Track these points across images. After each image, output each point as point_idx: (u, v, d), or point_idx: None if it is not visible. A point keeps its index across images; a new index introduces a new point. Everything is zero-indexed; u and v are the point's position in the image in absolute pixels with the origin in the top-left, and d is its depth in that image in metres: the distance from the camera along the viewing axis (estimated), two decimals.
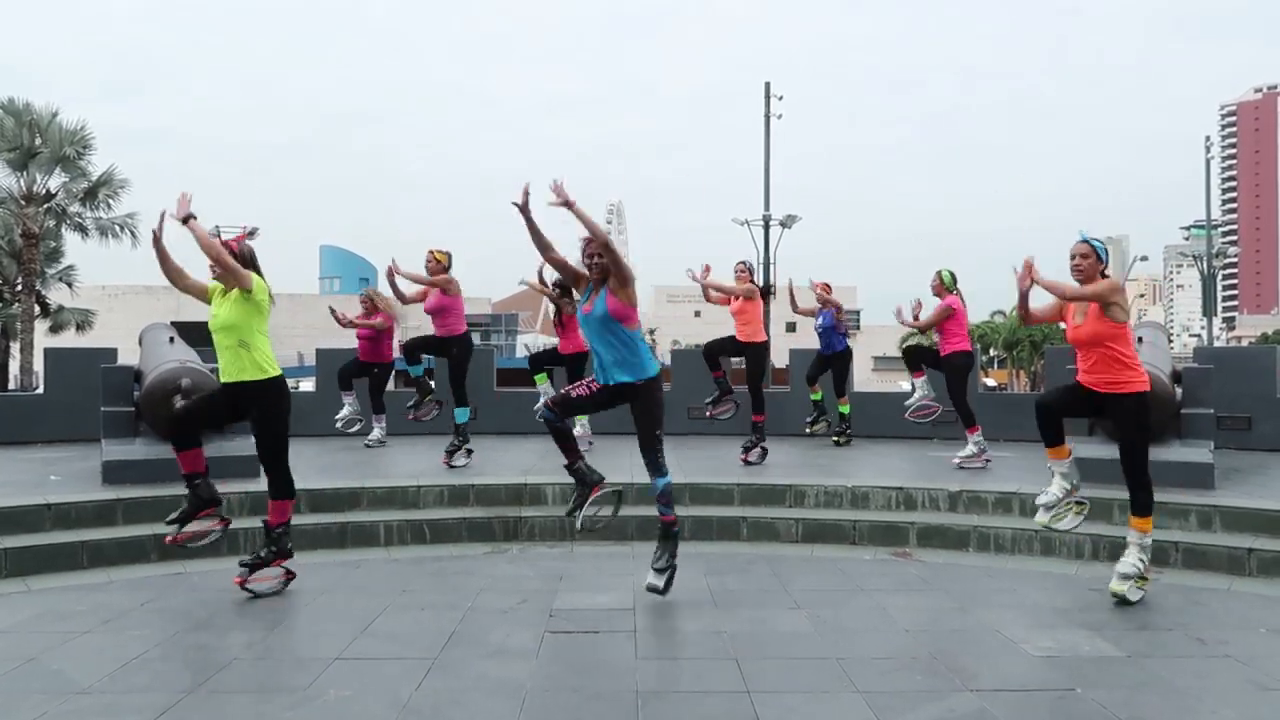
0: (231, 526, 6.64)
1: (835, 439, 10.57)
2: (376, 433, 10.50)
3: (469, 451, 8.77)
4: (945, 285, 9.04)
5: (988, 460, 8.77)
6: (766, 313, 29.57)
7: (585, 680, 4.33)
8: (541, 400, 9.70)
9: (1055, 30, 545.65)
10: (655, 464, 5.54)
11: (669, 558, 5.66)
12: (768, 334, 9.74)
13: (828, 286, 10.45)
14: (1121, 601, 5.48)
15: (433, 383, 9.59)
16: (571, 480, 5.65)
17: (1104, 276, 5.48)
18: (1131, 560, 5.57)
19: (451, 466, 8.51)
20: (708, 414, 9.63)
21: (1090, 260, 5.44)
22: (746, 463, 8.90)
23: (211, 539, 6.02)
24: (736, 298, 9.25)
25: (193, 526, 5.88)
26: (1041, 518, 5.86)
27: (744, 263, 9.44)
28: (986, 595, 5.85)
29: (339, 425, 10.59)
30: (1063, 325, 5.69)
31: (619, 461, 8.57)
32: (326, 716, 3.86)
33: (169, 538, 5.86)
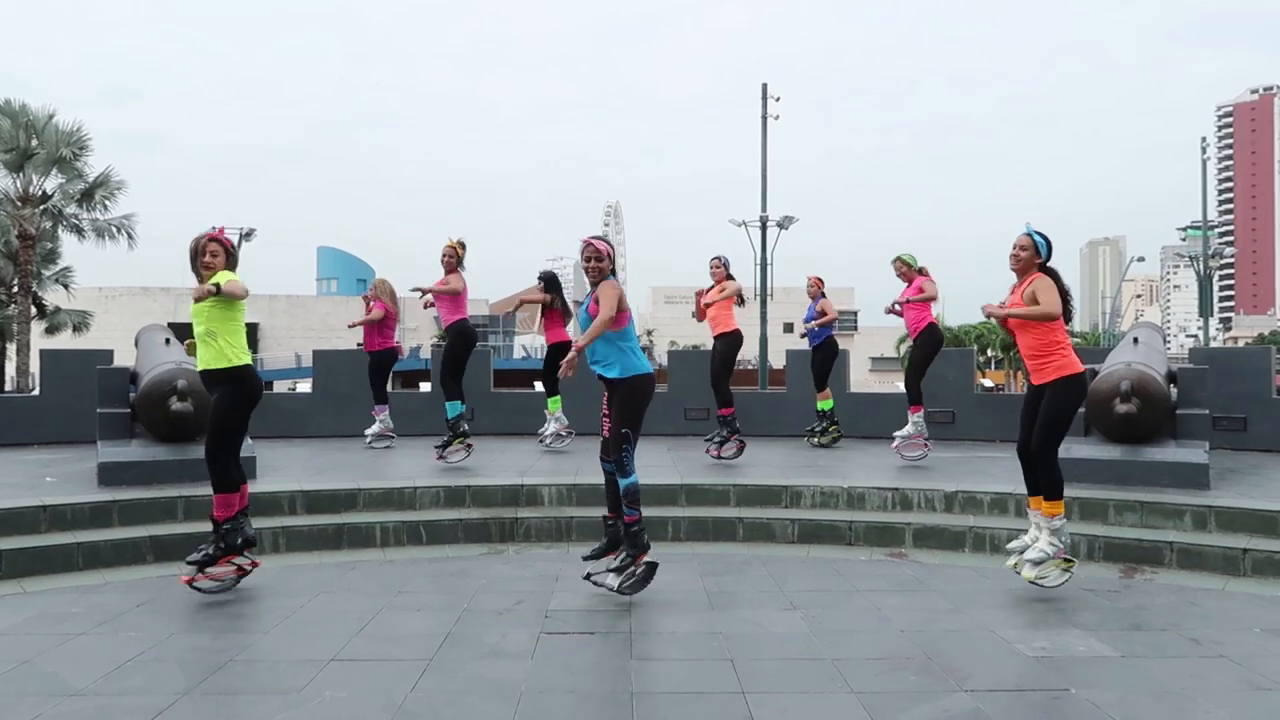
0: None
1: (813, 438, 10.49)
2: (376, 425, 10.25)
3: (468, 446, 8.72)
4: (913, 268, 9.25)
5: (927, 444, 9.00)
6: (764, 314, 29.74)
7: (580, 681, 4.33)
8: (551, 426, 9.84)
9: (1053, 37, 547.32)
10: (621, 463, 5.58)
11: (626, 557, 5.65)
12: (763, 331, 9.86)
13: (820, 281, 10.56)
14: (1036, 583, 5.70)
15: (465, 425, 8.94)
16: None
17: (1043, 270, 5.72)
18: (1042, 545, 5.72)
19: (447, 462, 8.51)
20: (711, 453, 9.32)
21: (1029, 252, 5.76)
22: (719, 457, 8.96)
23: (226, 585, 5.78)
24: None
25: (212, 570, 5.72)
26: (1012, 561, 5.96)
27: (719, 258, 9.43)
28: (981, 596, 5.86)
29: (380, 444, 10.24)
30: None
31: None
32: (322, 718, 3.86)
33: (184, 577, 5.67)
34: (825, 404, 10.57)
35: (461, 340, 8.91)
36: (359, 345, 10.90)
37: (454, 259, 8.84)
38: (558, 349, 9.72)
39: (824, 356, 10.45)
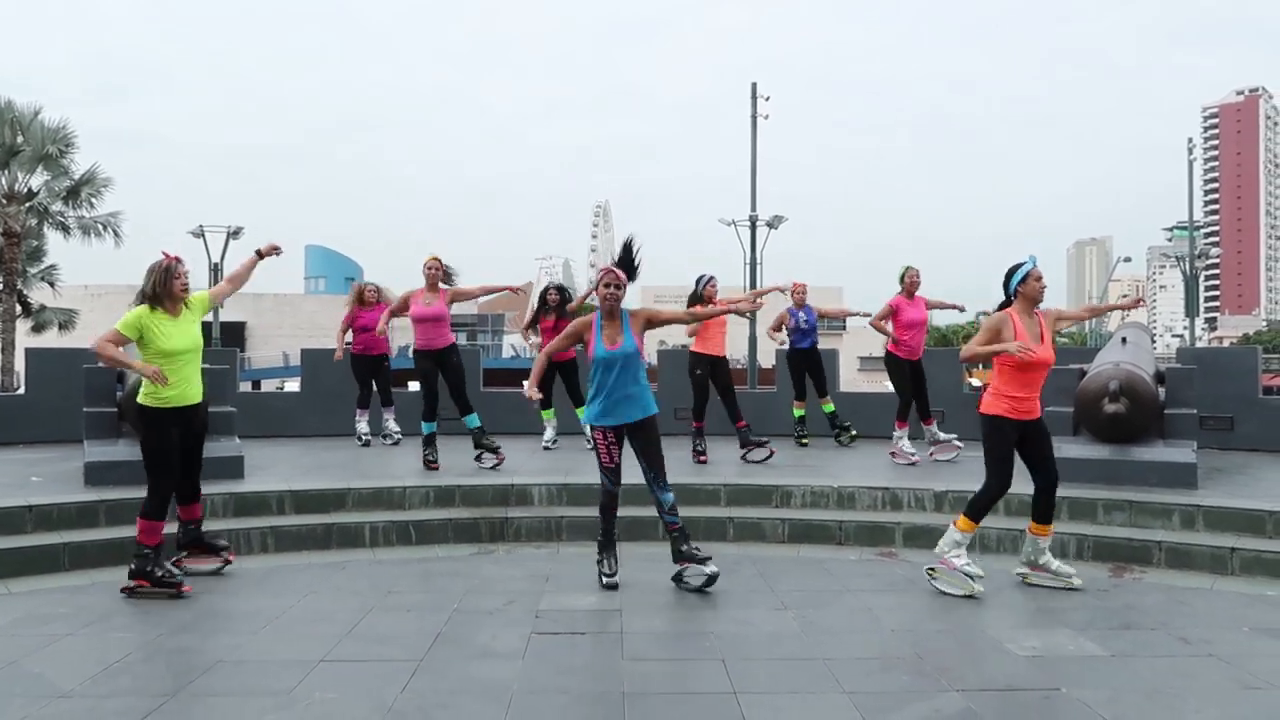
0: (219, 528, 6.63)
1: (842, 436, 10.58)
2: (382, 424, 10.53)
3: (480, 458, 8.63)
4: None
5: (910, 460, 9.08)
6: (753, 315, 29.72)
7: (572, 682, 4.32)
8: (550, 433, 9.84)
9: (1047, 39, 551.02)
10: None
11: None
12: (752, 331, 10.00)
13: (803, 286, 10.56)
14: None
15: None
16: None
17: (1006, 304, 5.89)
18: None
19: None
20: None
21: None
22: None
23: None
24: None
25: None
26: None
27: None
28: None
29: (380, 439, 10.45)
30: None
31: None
32: (311, 719, 3.83)
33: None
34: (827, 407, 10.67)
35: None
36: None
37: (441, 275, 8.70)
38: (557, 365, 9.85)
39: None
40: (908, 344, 9.25)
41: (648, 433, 5.81)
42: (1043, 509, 5.93)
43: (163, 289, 5.59)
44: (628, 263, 5.76)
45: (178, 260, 5.68)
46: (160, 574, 5.69)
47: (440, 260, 8.57)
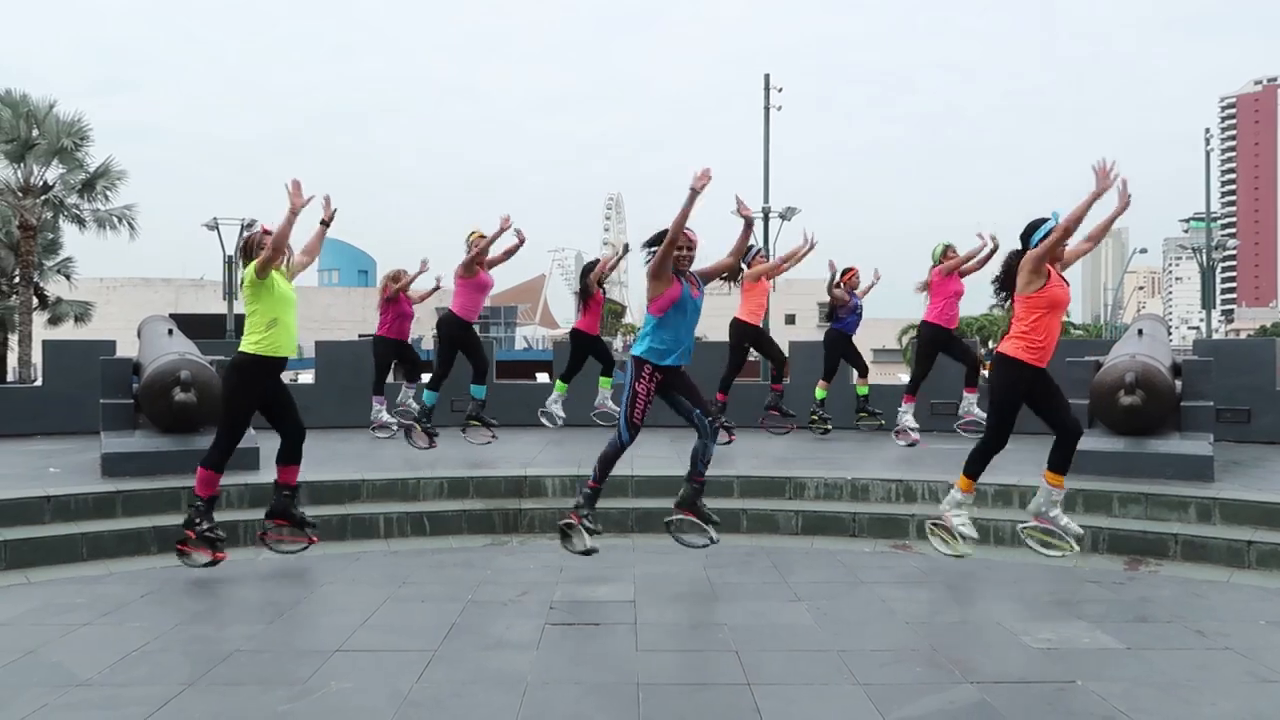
0: (233, 519, 6.65)
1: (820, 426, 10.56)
2: (400, 399, 10.56)
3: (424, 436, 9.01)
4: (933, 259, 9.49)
5: (911, 440, 9.41)
6: (766, 306, 29.68)
7: (586, 672, 4.33)
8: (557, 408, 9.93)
9: (1054, 28, 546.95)
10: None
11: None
12: (765, 323, 10.20)
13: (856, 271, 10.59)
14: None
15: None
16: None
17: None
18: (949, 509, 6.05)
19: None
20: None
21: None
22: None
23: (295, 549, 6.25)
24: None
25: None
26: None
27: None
28: (986, 588, 5.86)
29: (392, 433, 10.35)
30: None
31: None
32: (327, 709, 3.86)
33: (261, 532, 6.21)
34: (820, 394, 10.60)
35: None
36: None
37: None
38: (585, 338, 9.97)
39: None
40: (948, 313, 9.47)
41: (686, 376, 5.93)
42: (1061, 458, 5.83)
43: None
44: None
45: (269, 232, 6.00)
46: (205, 528, 5.85)
47: (484, 235, 8.80)
